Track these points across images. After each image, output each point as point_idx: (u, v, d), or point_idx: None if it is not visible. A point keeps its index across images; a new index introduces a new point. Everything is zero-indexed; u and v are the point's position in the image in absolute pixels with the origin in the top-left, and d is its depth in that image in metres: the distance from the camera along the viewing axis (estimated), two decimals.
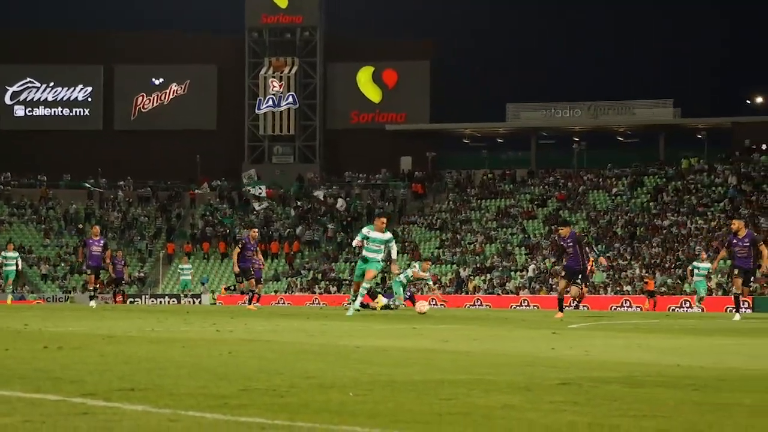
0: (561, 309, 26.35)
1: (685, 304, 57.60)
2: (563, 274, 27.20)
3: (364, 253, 25.73)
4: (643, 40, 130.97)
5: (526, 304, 60.14)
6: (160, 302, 67.51)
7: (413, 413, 5.86)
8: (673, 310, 55.38)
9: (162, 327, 17.35)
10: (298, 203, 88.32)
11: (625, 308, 56.12)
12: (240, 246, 34.29)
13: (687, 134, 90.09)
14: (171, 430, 5.10)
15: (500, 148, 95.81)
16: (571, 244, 26.28)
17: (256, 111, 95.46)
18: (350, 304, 26.57)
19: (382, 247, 25.68)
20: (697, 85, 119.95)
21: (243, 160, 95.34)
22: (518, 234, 76.92)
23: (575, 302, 32.14)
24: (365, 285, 25.77)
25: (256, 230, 37.44)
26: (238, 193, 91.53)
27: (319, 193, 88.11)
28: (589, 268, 40.39)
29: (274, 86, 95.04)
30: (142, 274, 79.62)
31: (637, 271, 66.27)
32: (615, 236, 72.60)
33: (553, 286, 66.18)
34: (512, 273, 70.68)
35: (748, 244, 26.78)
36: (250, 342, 12.91)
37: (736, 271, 27.23)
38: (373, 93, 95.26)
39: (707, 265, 44.25)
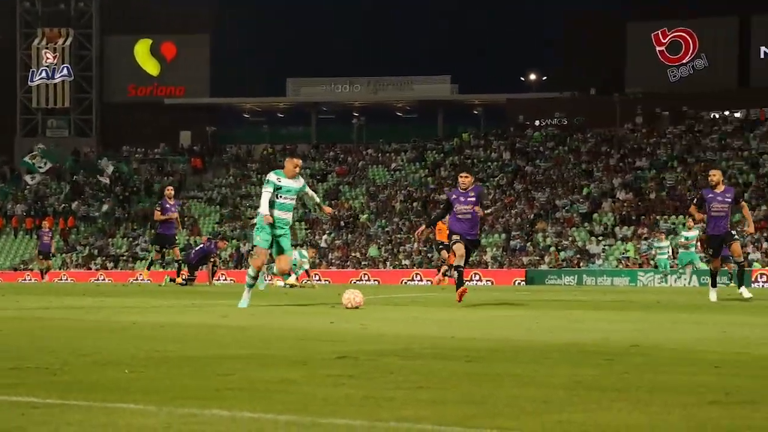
0: (462, 283, 18.28)
1: (474, 277, 58.64)
2: (457, 239, 18.39)
3: (275, 212, 17.24)
4: (421, 15, 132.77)
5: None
6: None
7: (190, 389, 5.81)
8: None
9: None
10: (74, 178, 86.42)
11: (416, 282, 56.83)
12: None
13: (464, 110, 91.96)
14: None
15: (281, 122, 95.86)
16: (473, 199, 18.57)
17: (29, 83, 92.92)
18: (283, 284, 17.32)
19: (295, 200, 17.69)
20: (473, 62, 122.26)
21: (15, 134, 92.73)
22: (299, 209, 77.12)
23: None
24: (250, 274, 16.97)
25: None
26: (9, 167, 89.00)
27: (107, 168, 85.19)
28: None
29: (47, 58, 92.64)
30: None
31: (416, 245, 67.28)
32: (394, 211, 73.55)
33: (333, 261, 66.64)
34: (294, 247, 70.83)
35: None
36: (21, 320, 12.58)
37: None
38: (151, 66, 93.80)
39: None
